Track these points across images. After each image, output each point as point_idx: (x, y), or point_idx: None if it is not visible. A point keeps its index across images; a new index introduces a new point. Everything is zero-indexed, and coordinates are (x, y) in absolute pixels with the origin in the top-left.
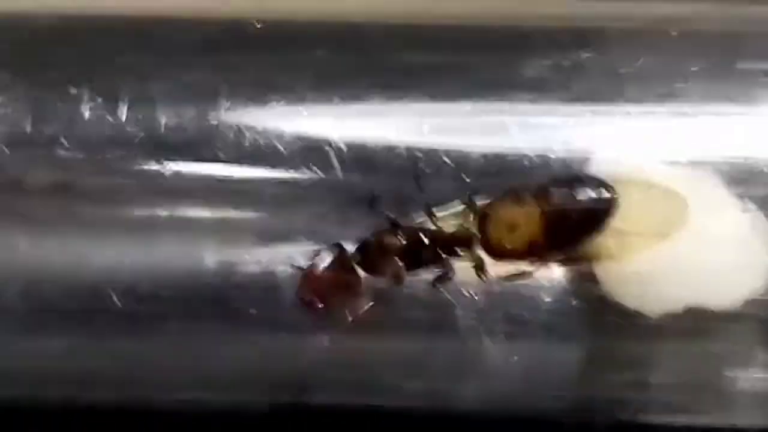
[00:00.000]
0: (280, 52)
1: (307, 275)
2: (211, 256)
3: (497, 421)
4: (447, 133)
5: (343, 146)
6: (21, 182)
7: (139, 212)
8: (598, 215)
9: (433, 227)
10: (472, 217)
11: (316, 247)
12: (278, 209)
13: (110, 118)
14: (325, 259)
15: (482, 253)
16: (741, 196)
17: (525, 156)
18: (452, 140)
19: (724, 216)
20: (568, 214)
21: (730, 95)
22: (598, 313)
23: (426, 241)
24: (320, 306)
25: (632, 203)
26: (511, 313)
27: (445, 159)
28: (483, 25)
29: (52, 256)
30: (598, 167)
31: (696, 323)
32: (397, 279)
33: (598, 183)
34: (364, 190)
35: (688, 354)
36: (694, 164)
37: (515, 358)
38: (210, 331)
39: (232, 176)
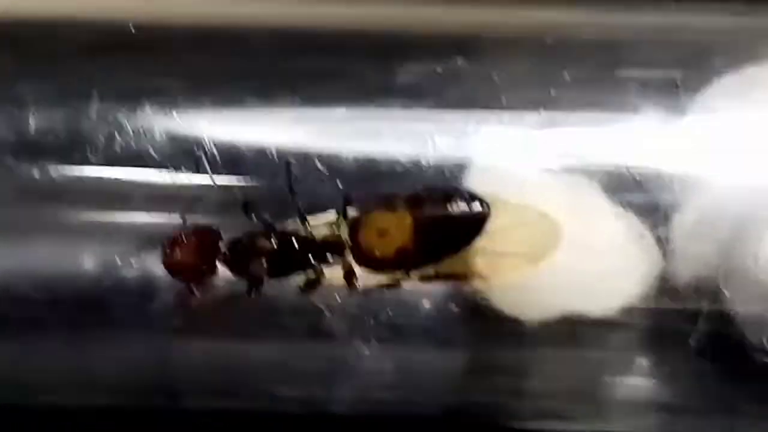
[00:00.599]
0: (153, 55)
1: (172, 240)
2: (84, 259)
3: (371, 426)
4: (321, 138)
5: (215, 150)
6: None
7: (11, 215)
8: (469, 227)
9: (304, 233)
10: (344, 225)
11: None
12: (151, 212)
13: None
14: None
15: (352, 262)
16: (617, 204)
17: (398, 163)
18: (326, 145)
19: (600, 223)
20: (439, 223)
21: (606, 103)
22: (476, 318)
23: (296, 245)
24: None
25: (506, 224)
26: (390, 318)
27: (318, 165)
28: (358, 30)
29: None
30: (473, 175)
31: (572, 330)
32: (258, 281)
33: (472, 196)
34: (237, 195)
35: (565, 360)
36: (571, 171)
37: (390, 363)
38: (84, 335)
39: (103, 179)
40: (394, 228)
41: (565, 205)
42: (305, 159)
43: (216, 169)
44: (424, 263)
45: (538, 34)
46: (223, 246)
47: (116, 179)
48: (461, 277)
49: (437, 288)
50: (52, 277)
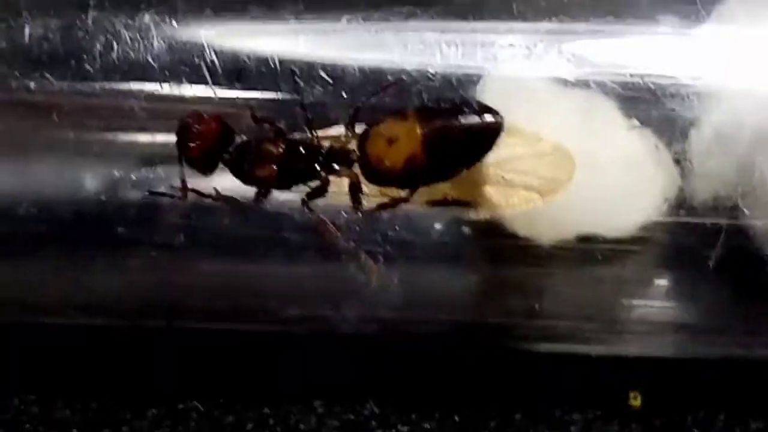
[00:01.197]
0: None
1: (189, 119)
2: (85, 177)
3: (381, 345)
4: (328, 49)
5: (216, 59)
6: None
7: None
8: (481, 139)
9: (313, 142)
10: (353, 137)
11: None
12: (151, 128)
13: None
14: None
15: (360, 174)
16: (633, 119)
17: (405, 74)
18: (331, 55)
19: (615, 139)
20: (450, 134)
21: (621, 12)
22: (488, 239)
23: (303, 152)
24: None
25: (519, 153)
26: (399, 237)
27: (324, 76)
28: None
29: None
30: (483, 87)
31: (588, 250)
32: (264, 187)
33: (484, 107)
34: (243, 105)
35: (580, 281)
36: (584, 85)
37: (399, 282)
38: (85, 254)
39: (102, 92)
40: (404, 137)
41: (578, 121)
42: (310, 70)
43: (219, 81)
44: (433, 177)
45: None
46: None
47: (114, 91)
48: (470, 204)
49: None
50: (50, 195)
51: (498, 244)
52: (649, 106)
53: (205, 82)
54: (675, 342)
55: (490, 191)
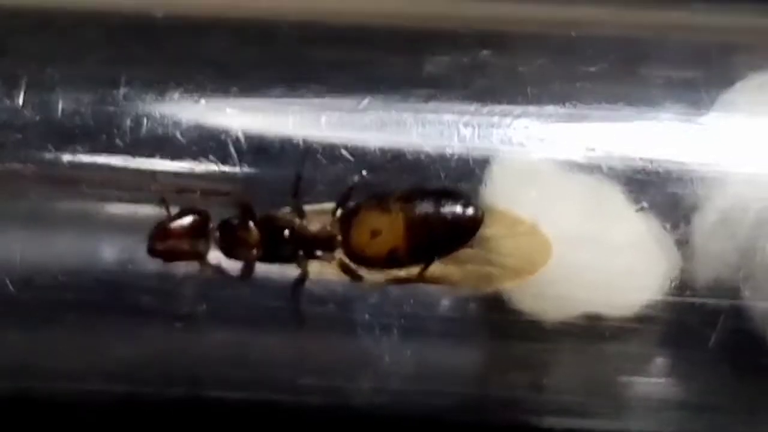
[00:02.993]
0: (181, 42)
1: (159, 227)
2: (108, 248)
3: (392, 418)
4: (344, 127)
5: (241, 136)
6: None
7: (36, 200)
8: (462, 232)
9: (296, 225)
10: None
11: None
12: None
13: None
14: (182, 218)
15: (343, 257)
16: (637, 202)
17: (423, 153)
18: (348, 135)
19: (620, 222)
20: (432, 226)
21: (630, 98)
22: (494, 315)
23: (286, 236)
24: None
25: (498, 233)
26: (407, 312)
27: (344, 152)
28: (385, 22)
29: None
30: (494, 168)
31: (592, 328)
32: (248, 266)
33: (466, 200)
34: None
35: (584, 358)
36: (591, 167)
37: (409, 356)
38: (105, 323)
39: (129, 165)
40: (387, 229)
41: (585, 203)
42: (327, 147)
43: (241, 156)
44: (413, 263)
45: (563, 28)
46: (213, 227)
47: (140, 167)
48: (448, 281)
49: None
50: (73, 264)
51: (503, 320)
52: (655, 189)
53: (228, 160)
54: (676, 419)
55: (467, 269)
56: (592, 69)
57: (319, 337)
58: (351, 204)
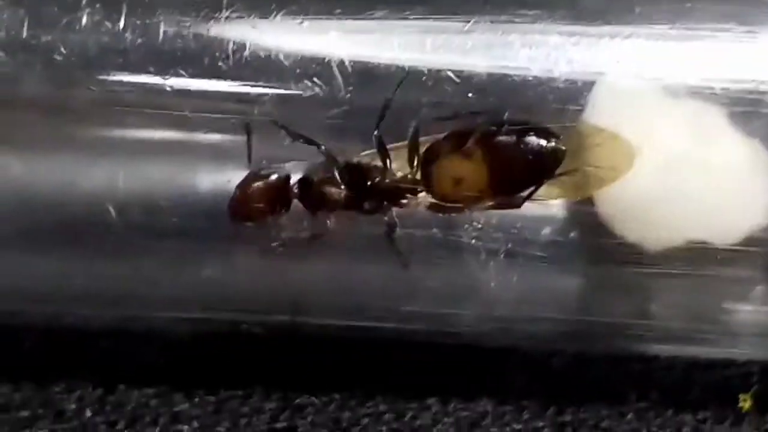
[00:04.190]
0: None
1: (240, 187)
2: (207, 174)
3: (496, 345)
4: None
5: (346, 60)
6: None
7: (137, 125)
8: (543, 166)
9: (379, 175)
10: (416, 159)
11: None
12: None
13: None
14: (264, 179)
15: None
16: (743, 130)
17: (529, 74)
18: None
19: (725, 150)
20: (515, 167)
21: (741, 18)
22: (597, 243)
23: (369, 189)
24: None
25: (582, 146)
26: (510, 241)
27: (451, 75)
28: None
29: (45, 173)
30: (601, 88)
31: (697, 254)
32: (330, 224)
33: (547, 132)
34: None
35: (689, 284)
36: (700, 91)
37: (514, 282)
38: (206, 251)
39: (232, 89)
40: (470, 176)
41: (688, 128)
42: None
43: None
44: (498, 205)
45: None
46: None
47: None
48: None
49: (558, 214)
50: (174, 191)
51: (608, 247)
52: (760, 114)
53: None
54: None
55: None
56: None
57: (424, 264)
58: (427, 145)
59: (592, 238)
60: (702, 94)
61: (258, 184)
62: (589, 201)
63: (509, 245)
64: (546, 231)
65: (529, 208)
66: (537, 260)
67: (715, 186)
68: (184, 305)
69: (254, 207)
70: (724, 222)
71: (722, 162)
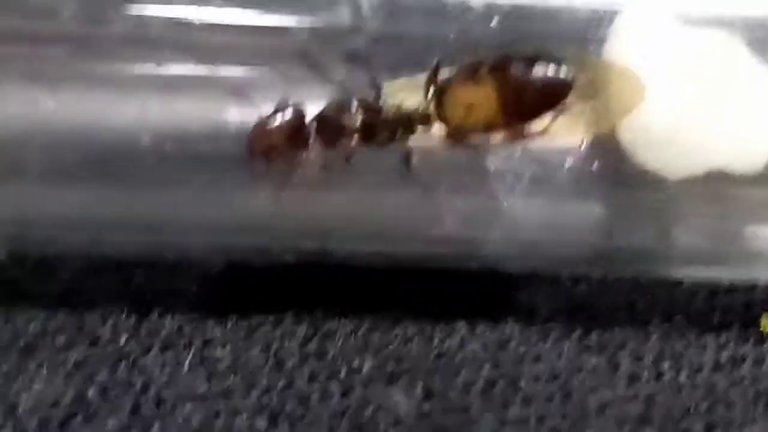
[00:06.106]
0: None
1: (258, 126)
2: (236, 106)
3: (520, 269)
4: None
5: None
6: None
7: (168, 59)
8: (554, 95)
9: (391, 106)
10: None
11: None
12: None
13: None
14: (280, 116)
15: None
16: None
17: (549, 6)
18: None
19: (746, 80)
20: (526, 94)
21: None
22: (618, 172)
23: (383, 120)
24: (264, 159)
25: (590, 81)
26: (532, 170)
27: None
28: None
29: (74, 109)
30: (619, 24)
31: (718, 182)
32: (348, 157)
33: (557, 62)
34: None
35: (709, 211)
36: (718, 23)
37: (537, 207)
38: (235, 181)
39: (253, 23)
40: (481, 102)
41: (709, 58)
42: None
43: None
44: (509, 128)
45: None
46: (310, 124)
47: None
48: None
49: (582, 145)
50: (202, 124)
51: (629, 176)
52: None
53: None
54: None
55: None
56: None
57: (448, 189)
58: (443, 77)
59: (614, 167)
60: (723, 24)
61: (274, 121)
62: (612, 131)
63: (533, 171)
64: (568, 160)
65: (549, 139)
66: (560, 186)
67: (735, 116)
68: (215, 233)
69: (271, 144)
70: (745, 151)
71: (743, 92)
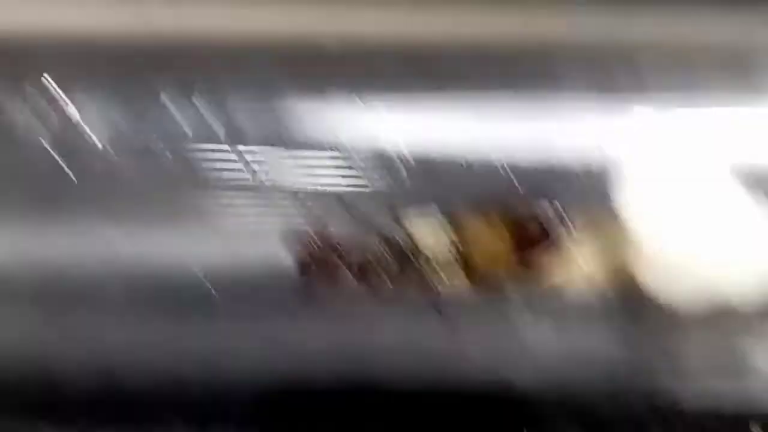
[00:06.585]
0: None
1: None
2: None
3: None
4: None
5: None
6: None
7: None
8: (558, 241)
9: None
10: (449, 231)
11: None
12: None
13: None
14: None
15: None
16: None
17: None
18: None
19: (749, 217)
20: (536, 241)
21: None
22: (632, 303)
23: (412, 272)
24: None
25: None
26: (549, 303)
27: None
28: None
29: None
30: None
31: (723, 316)
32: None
33: (561, 216)
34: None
35: (716, 344)
36: (717, 165)
37: (553, 344)
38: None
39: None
40: (500, 251)
41: (713, 201)
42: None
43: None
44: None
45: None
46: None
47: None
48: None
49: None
50: (256, 268)
51: (639, 308)
52: None
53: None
54: None
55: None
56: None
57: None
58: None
59: (627, 300)
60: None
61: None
62: (625, 266)
63: (551, 306)
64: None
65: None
66: (574, 321)
67: (738, 251)
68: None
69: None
70: (748, 284)
71: (746, 228)
